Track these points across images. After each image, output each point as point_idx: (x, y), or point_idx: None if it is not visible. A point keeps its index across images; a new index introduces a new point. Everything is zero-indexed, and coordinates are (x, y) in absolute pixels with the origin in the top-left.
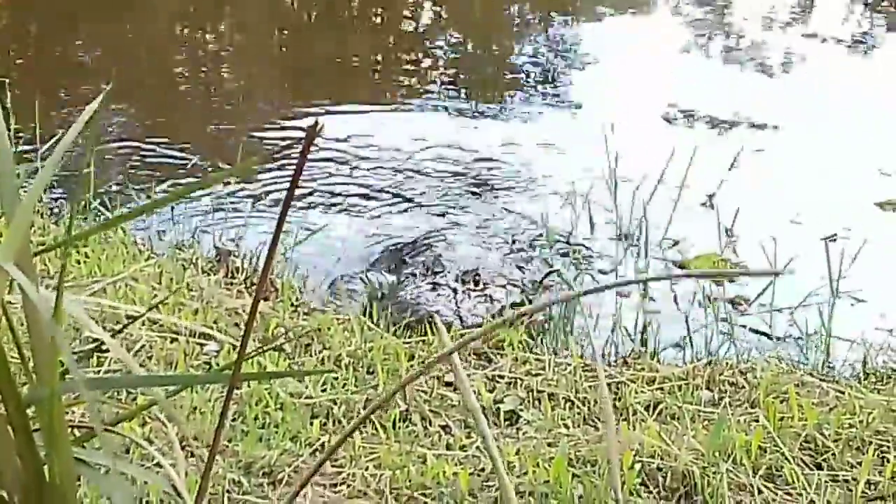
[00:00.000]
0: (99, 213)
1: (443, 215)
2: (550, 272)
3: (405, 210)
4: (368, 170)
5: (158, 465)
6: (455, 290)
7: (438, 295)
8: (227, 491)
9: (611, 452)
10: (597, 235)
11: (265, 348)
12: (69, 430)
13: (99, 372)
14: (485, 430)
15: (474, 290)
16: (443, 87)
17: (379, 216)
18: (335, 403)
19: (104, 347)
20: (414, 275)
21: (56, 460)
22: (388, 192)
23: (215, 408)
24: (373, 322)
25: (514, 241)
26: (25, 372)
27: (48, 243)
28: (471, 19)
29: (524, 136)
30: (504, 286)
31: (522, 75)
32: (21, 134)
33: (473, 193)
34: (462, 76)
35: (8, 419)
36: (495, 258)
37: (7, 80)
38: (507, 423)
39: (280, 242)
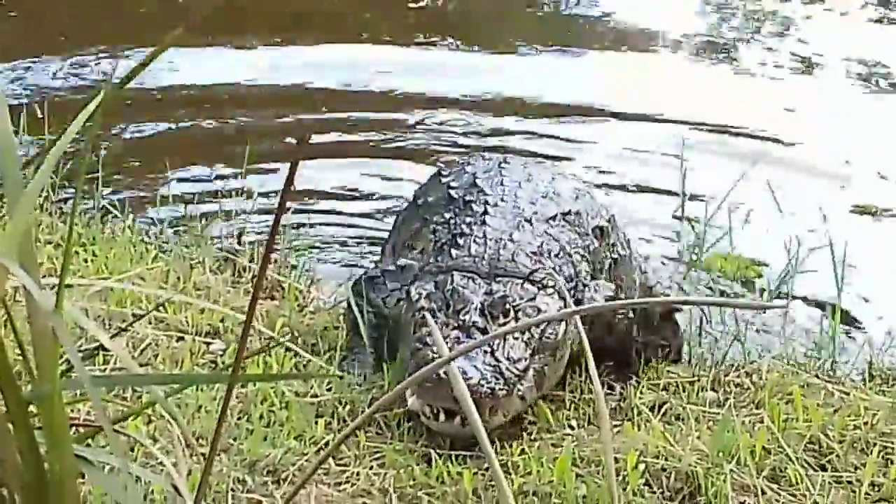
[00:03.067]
0: (107, 211)
1: None
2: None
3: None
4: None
5: (162, 463)
6: (483, 331)
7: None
8: (231, 489)
9: (606, 453)
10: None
11: (267, 347)
12: (72, 428)
13: (105, 370)
14: (487, 448)
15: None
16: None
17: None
18: (340, 403)
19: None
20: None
21: (57, 458)
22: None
23: (220, 406)
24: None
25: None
26: (27, 369)
27: (55, 241)
28: None
29: None
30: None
31: None
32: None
33: None
34: None
35: (9, 416)
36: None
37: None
38: (511, 423)
39: (291, 247)
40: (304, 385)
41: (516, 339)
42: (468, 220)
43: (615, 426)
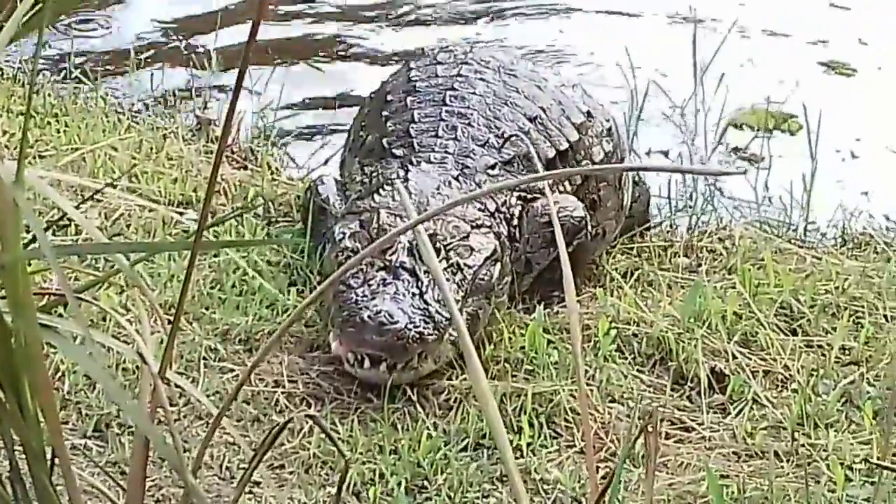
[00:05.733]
0: (79, 81)
1: None
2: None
3: None
4: None
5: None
6: (411, 272)
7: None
8: (204, 358)
9: (572, 317)
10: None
11: (239, 213)
12: (43, 297)
13: (76, 240)
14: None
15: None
16: None
17: None
18: (313, 271)
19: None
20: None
21: (22, 326)
22: None
23: (193, 275)
24: None
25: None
26: None
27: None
28: None
29: None
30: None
31: None
32: None
33: None
34: None
35: None
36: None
37: None
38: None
39: (262, 113)
40: (277, 254)
41: (447, 280)
42: (393, 173)
43: (587, 292)
